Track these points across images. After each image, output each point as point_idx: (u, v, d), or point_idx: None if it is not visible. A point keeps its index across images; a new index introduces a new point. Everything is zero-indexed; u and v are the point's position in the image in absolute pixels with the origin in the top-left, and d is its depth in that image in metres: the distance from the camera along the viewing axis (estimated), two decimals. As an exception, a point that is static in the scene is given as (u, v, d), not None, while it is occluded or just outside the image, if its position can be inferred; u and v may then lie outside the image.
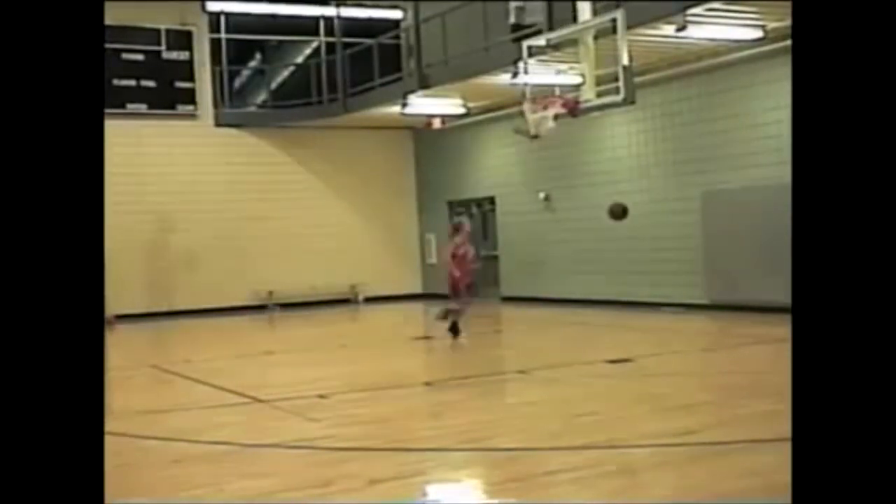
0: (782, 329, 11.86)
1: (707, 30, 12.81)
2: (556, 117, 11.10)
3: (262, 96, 22.74)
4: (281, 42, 23.02)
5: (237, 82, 22.78)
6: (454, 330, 12.86)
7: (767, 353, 10.65)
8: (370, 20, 21.76)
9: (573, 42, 11.80)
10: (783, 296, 13.49)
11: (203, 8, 20.84)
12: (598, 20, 11.19)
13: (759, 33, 13.26)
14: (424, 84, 17.56)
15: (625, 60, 10.40)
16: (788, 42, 13.30)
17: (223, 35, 21.32)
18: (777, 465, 5.62)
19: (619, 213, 12.75)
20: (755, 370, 9.64)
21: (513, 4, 15.58)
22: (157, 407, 8.89)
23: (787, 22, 12.94)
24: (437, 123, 20.23)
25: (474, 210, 21.25)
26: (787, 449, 5.83)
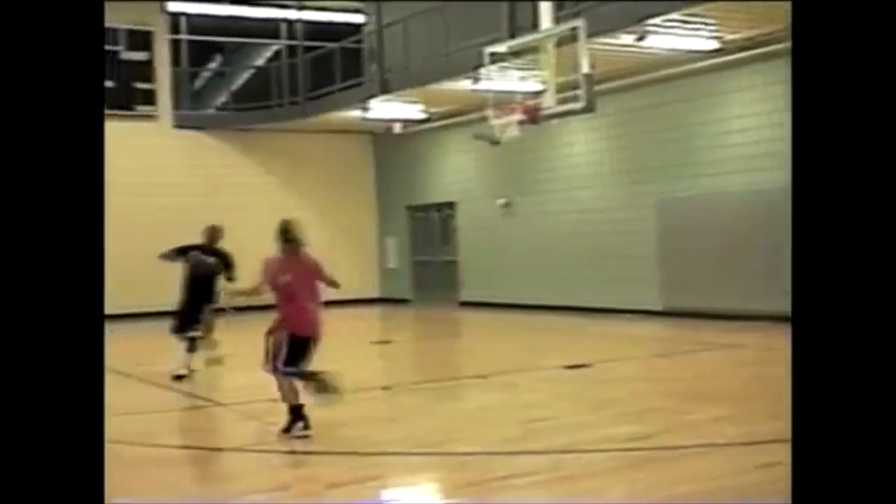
0: (735, 335, 12.07)
1: (665, 40, 12.97)
2: (520, 123, 11.13)
3: (221, 98, 22.59)
4: (241, 44, 22.89)
5: (196, 84, 22.63)
6: None
7: (718, 360, 10.80)
8: (331, 24, 21.69)
9: (534, 49, 11.88)
10: (738, 303, 13.76)
11: (163, 8, 20.67)
12: (559, 28, 11.27)
13: (715, 44, 13.45)
14: (385, 89, 17.57)
15: (585, 69, 10.47)
16: (744, 54, 13.53)
17: (183, 36, 21.18)
18: (725, 469, 5.73)
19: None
20: (707, 376, 9.78)
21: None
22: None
23: (744, 34, 13.14)
24: (397, 128, 20.22)
25: (434, 215, 21.28)
26: (734, 453, 5.96)
